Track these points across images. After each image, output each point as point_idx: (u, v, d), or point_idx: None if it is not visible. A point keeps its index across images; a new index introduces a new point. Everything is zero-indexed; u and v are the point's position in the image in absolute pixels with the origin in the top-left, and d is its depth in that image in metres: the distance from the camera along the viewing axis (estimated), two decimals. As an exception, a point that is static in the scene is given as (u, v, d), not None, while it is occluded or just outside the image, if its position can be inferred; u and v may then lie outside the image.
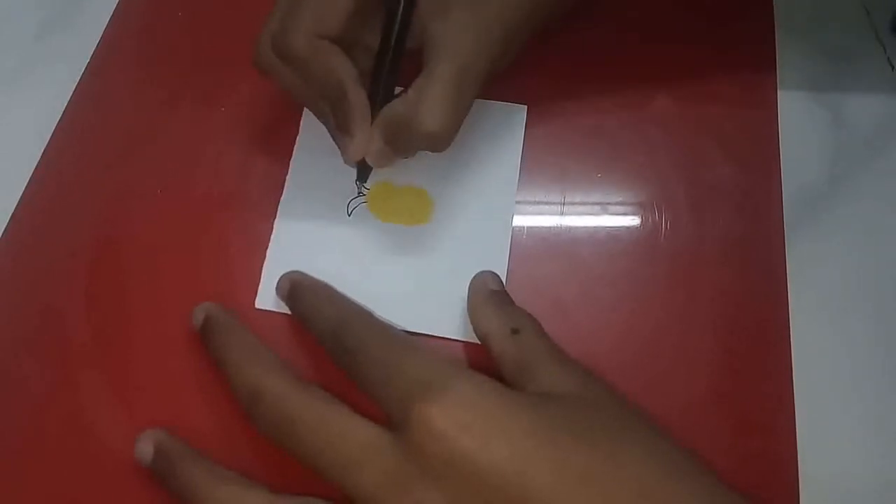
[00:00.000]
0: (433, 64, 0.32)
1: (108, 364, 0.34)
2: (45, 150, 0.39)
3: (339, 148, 0.34)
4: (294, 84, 0.34)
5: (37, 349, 0.34)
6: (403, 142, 0.33)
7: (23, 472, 0.32)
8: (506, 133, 0.38)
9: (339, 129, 0.33)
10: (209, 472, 0.29)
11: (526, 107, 0.39)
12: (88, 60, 0.42)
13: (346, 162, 0.34)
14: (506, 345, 0.30)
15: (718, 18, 0.41)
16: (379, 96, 0.33)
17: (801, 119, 0.38)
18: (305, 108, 0.39)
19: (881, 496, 0.31)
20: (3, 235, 0.37)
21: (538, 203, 0.37)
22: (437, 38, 0.32)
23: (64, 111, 0.40)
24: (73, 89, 0.41)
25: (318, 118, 0.35)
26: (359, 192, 0.37)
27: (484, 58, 0.33)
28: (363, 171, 0.36)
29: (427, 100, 0.31)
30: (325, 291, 0.34)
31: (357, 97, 0.32)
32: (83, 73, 0.41)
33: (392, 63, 0.33)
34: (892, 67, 0.40)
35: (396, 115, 0.32)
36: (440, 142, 0.32)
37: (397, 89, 0.33)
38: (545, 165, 0.38)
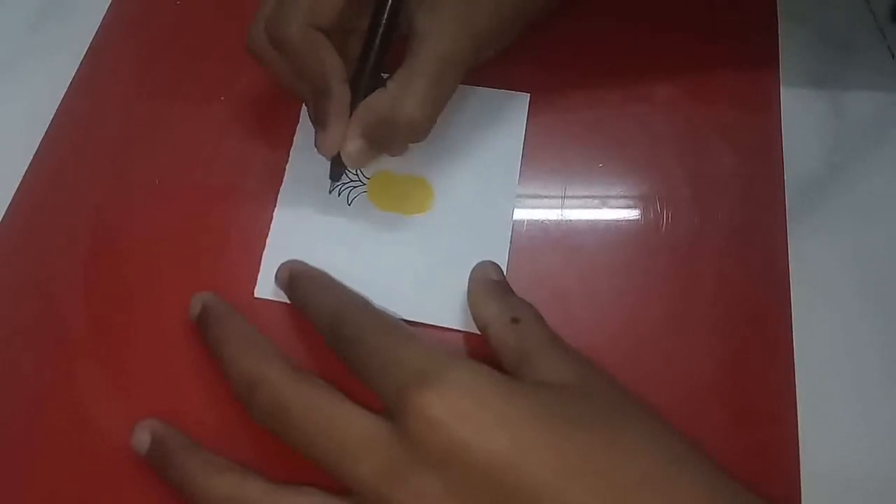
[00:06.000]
0: (414, 54, 0.32)
1: (107, 354, 0.34)
2: (42, 141, 0.39)
3: (316, 141, 0.34)
4: (283, 71, 0.34)
5: (35, 339, 0.34)
6: (383, 134, 0.33)
7: (21, 461, 0.32)
8: (508, 121, 0.38)
9: (317, 122, 0.33)
10: (207, 462, 0.29)
11: (528, 95, 0.39)
12: (86, 50, 0.41)
13: (322, 154, 0.34)
14: (505, 334, 0.30)
15: (721, 8, 0.41)
16: (363, 84, 0.33)
17: (802, 109, 0.38)
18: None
19: (882, 487, 0.30)
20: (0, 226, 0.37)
21: (539, 194, 0.37)
22: (420, 27, 0.32)
23: (61, 101, 0.40)
24: (69, 79, 0.41)
25: (306, 106, 0.35)
26: (345, 176, 0.37)
27: (467, 48, 0.33)
28: (336, 170, 0.36)
29: (406, 89, 0.32)
30: (323, 281, 0.33)
31: (339, 94, 0.32)
32: (81, 63, 0.41)
33: (378, 52, 0.33)
34: (893, 56, 0.39)
35: (375, 108, 0.32)
36: (418, 130, 0.33)
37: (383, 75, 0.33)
38: (547, 156, 0.38)
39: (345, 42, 0.34)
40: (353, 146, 0.33)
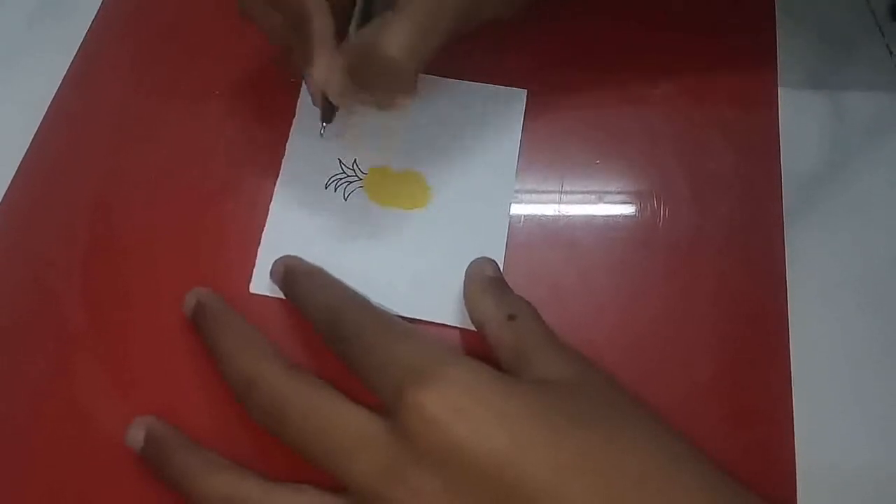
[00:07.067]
0: None
1: (104, 350, 0.33)
2: (35, 135, 0.38)
3: (305, 83, 0.33)
4: (270, 21, 0.33)
5: (32, 335, 0.34)
6: (364, 72, 0.31)
7: (19, 457, 0.32)
8: (505, 117, 0.38)
9: (302, 60, 0.32)
10: (203, 460, 0.29)
11: (525, 91, 0.39)
12: (80, 44, 0.41)
13: (313, 102, 0.33)
14: (502, 331, 0.30)
15: (720, 7, 0.41)
16: (352, 28, 0.32)
17: (801, 107, 0.38)
18: (302, 92, 0.39)
19: (878, 486, 0.31)
20: (-5, 221, 0.36)
21: (536, 189, 0.37)
22: None
23: (54, 96, 0.39)
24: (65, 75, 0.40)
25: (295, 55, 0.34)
26: (342, 170, 0.37)
27: None
28: (327, 111, 0.34)
29: (391, 26, 0.30)
30: (319, 277, 0.33)
31: (320, 25, 0.31)
32: (74, 58, 0.41)
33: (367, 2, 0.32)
34: (891, 53, 0.39)
35: (360, 42, 0.31)
36: (400, 74, 0.31)
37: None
38: (544, 152, 0.37)
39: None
40: (337, 82, 0.32)
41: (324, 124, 0.35)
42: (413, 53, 0.31)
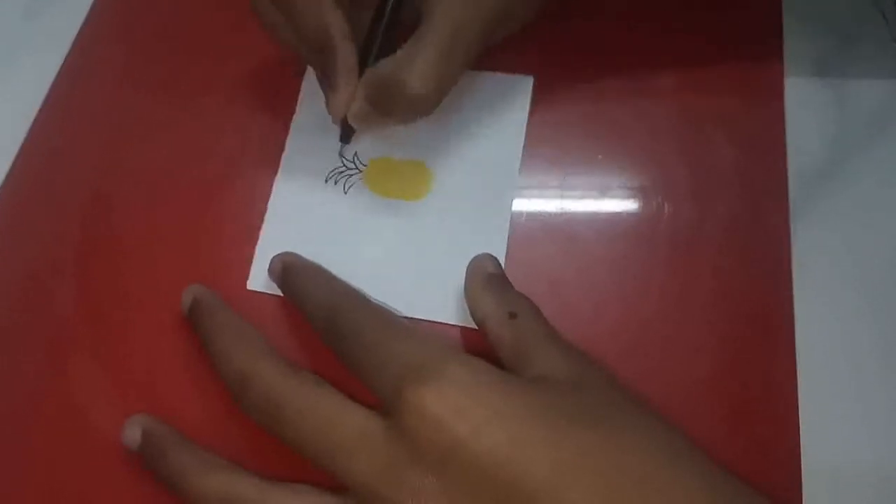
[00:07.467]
0: (425, 26, 0.31)
1: (102, 348, 0.33)
2: (29, 132, 0.38)
3: (326, 106, 0.33)
4: (286, 33, 0.33)
5: (28, 333, 0.34)
6: (387, 103, 0.32)
7: (15, 456, 0.32)
8: (511, 104, 0.38)
9: (326, 83, 0.33)
10: (199, 459, 0.29)
11: (532, 78, 0.38)
12: (74, 39, 0.41)
13: (333, 121, 0.34)
14: (503, 329, 0.30)
15: (725, 0, 0.40)
16: (372, 55, 0.33)
17: (806, 99, 0.38)
18: (302, 87, 0.38)
19: (885, 485, 0.30)
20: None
21: (538, 185, 0.36)
22: (433, 1, 0.32)
23: (48, 92, 0.39)
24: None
25: (315, 71, 0.35)
26: (342, 163, 0.37)
27: (479, 24, 0.32)
28: (346, 132, 0.35)
29: (415, 61, 0.31)
30: (317, 274, 0.33)
31: (344, 53, 0.32)
32: (69, 53, 0.40)
33: (388, 22, 0.33)
34: (896, 41, 0.39)
35: (382, 75, 0.32)
36: (423, 105, 0.32)
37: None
38: (546, 147, 0.37)
39: (357, 18, 0.33)
40: (358, 108, 0.33)
41: (342, 144, 0.36)
42: (437, 83, 0.32)
